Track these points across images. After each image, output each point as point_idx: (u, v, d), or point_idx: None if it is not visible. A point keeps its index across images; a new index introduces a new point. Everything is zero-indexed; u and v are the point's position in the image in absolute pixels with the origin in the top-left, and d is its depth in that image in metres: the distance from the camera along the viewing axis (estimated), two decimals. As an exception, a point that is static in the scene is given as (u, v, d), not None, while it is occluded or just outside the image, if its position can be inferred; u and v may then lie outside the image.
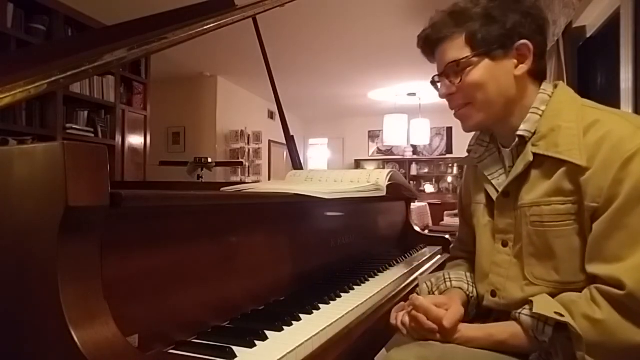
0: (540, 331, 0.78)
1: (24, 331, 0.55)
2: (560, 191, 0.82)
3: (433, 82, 0.98)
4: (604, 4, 2.50)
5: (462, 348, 0.83)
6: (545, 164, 0.84)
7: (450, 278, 1.02)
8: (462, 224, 1.15)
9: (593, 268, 0.78)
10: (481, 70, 0.88)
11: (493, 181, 0.95)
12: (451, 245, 1.25)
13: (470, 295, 0.99)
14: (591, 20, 2.73)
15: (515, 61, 0.88)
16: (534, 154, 0.85)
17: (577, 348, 0.73)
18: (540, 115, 0.87)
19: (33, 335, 0.54)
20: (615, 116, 0.82)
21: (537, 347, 0.80)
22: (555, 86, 0.91)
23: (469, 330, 0.85)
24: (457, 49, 0.89)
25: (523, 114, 0.89)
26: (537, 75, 0.91)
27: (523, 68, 0.88)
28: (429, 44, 0.94)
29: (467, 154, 1.05)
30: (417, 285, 1.11)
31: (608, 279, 0.75)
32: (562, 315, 0.75)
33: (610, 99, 2.26)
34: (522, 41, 0.86)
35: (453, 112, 0.96)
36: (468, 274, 1.04)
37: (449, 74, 0.91)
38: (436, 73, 0.96)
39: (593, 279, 0.78)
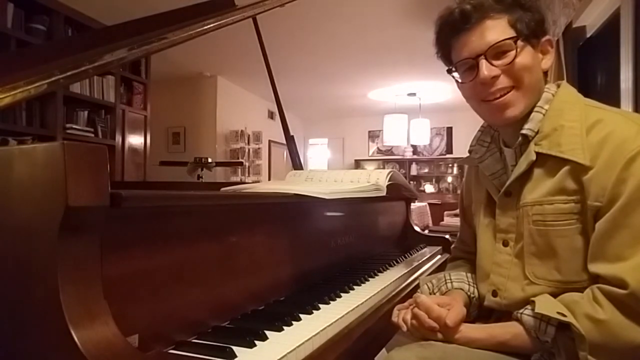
0: (542, 331, 0.78)
1: (24, 331, 0.55)
2: (563, 190, 0.81)
3: (451, 71, 0.93)
4: (604, 4, 2.50)
5: (463, 349, 0.83)
6: (548, 163, 0.84)
7: (451, 279, 1.02)
8: (463, 224, 1.15)
9: (595, 267, 0.78)
10: (527, 55, 0.86)
11: (494, 181, 0.96)
12: (452, 246, 1.25)
13: (472, 295, 0.99)
14: (591, 20, 2.73)
15: (541, 55, 0.89)
16: (537, 153, 0.85)
17: (580, 348, 0.73)
18: (544, 114, 0.87)
19: (33, 336, 0.54)
20: (618, 116, 0.82)
21: (539, 348, 0.79)
22: (558, 86, 0.91)
23: (470, 330, 0.85)
24: (502, 29, 0.85)
25: (528, 112, 0.89)
26: (546, 73, 0.92)
27: (547, 63, 0.89)
28: (466, 21, 0.86)
29: (467, 154, 1.05)
30: (417, 286, 1.11)
31: (610, 279, 0.75)
32: (564, 316, 0.75)
33: (610, 98, 2.26)
34: (547, 36, 0.89)
35: (479, 102, 0.90)
36: (469, 275, 1.04)
37: (491, 56, 0.86)
38: (438, 71, 0.95)
39: (595, 279, 0.78)
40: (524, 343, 0.80)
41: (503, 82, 0.86)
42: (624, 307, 0.72)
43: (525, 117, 0.88)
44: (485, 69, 0.85)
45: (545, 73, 0.91)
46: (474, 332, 0.85)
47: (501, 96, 0.87)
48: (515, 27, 0.86)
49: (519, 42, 0.85)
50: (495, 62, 0.86)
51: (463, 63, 0.89)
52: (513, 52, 0.85)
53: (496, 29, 0.85)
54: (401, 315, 0.90)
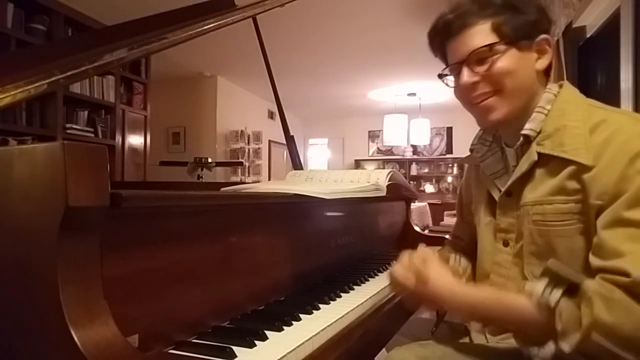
0: (547, 294, 0.73)
1: (24, 331, 0.55)
2: (564, 190, 0.81)
3: (441, 75, 0.95)
4: (604, 4, 2.50)
5: (464, 348, 0.83)
6: (550, 163, 0.84)
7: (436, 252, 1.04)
8: (460, 222, 1.15)
9: (596, 261, 0.76)
10: (509, 59, 0.86)
11: (495, 180, 0.95)
12: (445, 241, 1.24)
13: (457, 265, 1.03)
14: (591, 20, 2.73)
15: (536, 55, 0.88)
16: (539, 154, 0.84)
17: (586, 314, 0.69)
18: (546, 115, 0.87)
19: (33, 335, 0.54)
20: (622, 116, 0.81)
21: (535, 321, 0.75)
22: (561, 86, 0.90)
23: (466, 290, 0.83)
24: (484, 35, 0.87)
25: (528, 113, 0.89)
26: (547, 73, 0.91)
27: (544, 62, 0.88)
28: (449, 31, 0.90)
29: (468, 153, 1.05)
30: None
31: (612, 269, 0.72)
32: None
33: (611, 98, 2.26)
34: (544, 35, 0.87)
35: (468, 106, 0.92)
36: (458, 256, 1.08)
37: (473, 62, 0.88)
38: (438, 71, 0.95)
39: (596, 272, 0.75)
40: (523, 308, 0.76)
41: (484, 87, 0.88)
42: (630, 293, 0.70)
43: (525, 117, 0.88)
44: (465, 75, 0.88)
45: (547, 72, 0.90)
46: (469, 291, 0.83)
47: (482, 100, 0.89)
48: (499, 31, 0.86)
49: (500, 47, 0.86)
50: (476, 68, 0.87)
51: (452, 68, 0.92)
52: (491, 59, 0.86)
53: (478, 36, 0.87)
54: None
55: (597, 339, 0.69)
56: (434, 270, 0.85)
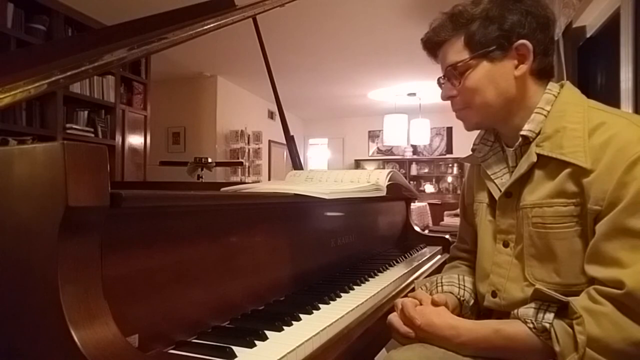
0: (540, 319, 0.76)
1: (24, 331, 0.55)
2: (563, 193, 0.81)
3: (439, 83, 0.98)
4: (604, 4, 2.50)
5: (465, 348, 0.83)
6: (549, 165, 0.83)
7: (441, 282, 1.02)
8: (463, 223, 1.15)
9: (592, 270, 0.77)
10: (479, 74, 0.88)
11: (496, 180, 0.95)
12: (452, 245, 1.25)
13: (462, 298, 0.98)
14: (591, 20, 2.73)
15: (516, 61, 0.87)
16: (538, 155, 0.84)
17: (578, 331, 0.72)
18: (545, 116, 0.86)
19: (33, 336, 0.54)
20: (622, 119, 0.80)
21: (539, 346, 0.77)
22: (562, 86, 0.90)
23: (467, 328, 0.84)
24: (456, 51, 0.90)
25: (526, 114, 0.88)
26: (541, 74, 0.90)
27: (523, 68, 0.87)
28: (431, 47, 0.96)
29: (470, 153, 1.05)
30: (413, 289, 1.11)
31: (607, 281, 0.74)
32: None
33: (610, 99, 2.26)
34: (521, 41, 0.86)
35: (454, 112, 0.98)
36: (461, 277, 1.03)
37: (450, 77, 0.93)
38: (438, 71, 0.96)
39: (592, 281, 0.77)
40: (523, 337, 0.78)
41: (458, 101, 0.94)
42: (622, 305, 0.71)
43: (522, 118, 0.88)
44: (443, 89, 0.96)
45: (541, 74, 0.89)
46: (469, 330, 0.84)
47: (457, 110, 0.96)
48: (470, 45, 0.88)
49: (471, 62, 0.88)
50: (455, 82, 0.92)
51: (441, 78, 0.97)
52: (466, 72, 0.89)
53: (451, 51, 0.91)
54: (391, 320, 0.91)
55: (592, 355, 0.70)
56: (430, 312, 0.87)
